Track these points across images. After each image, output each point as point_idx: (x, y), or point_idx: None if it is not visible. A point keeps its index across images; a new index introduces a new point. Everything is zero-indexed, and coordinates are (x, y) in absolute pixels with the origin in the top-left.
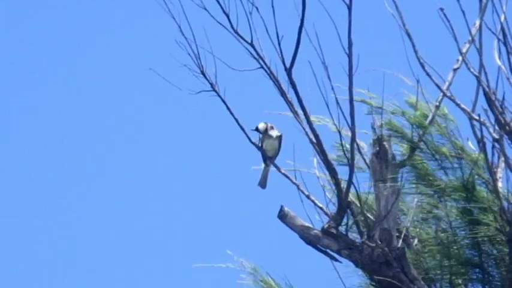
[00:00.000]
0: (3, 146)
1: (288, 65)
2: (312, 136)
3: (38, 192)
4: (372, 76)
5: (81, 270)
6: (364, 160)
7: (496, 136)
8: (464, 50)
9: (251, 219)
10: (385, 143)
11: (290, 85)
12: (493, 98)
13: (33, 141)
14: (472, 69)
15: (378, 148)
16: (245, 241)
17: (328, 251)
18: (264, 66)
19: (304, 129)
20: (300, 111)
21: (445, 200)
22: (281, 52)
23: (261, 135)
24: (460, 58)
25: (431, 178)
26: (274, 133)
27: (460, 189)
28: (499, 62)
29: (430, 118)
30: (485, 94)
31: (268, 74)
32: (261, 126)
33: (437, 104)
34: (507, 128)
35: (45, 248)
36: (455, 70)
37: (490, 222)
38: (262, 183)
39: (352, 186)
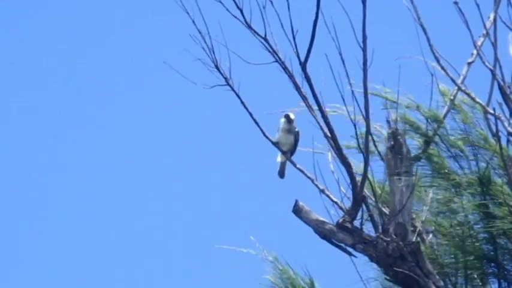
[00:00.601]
0: (3, 146)
1: (302, 59)
2: (326, 130)
3: (38, 192)
4: (386, 70)
5: (81, 270)
6: (379, 154)
7: (511, 130)
8: (479, 44)
9: (266, 213)
10: (399, 137)
11: (305, 79)
12: (508, 92)
13: (33, 141)
14: (486, 63)
15: (392, 142)
16: (263, 232)
17: (343, 245)
18: (279, 60)
19: (318, 123)
20: (314, 106)
21: (461, 194)
22: (296, 46)
23: (280, 127)
24: (475, 52)
25: (446, 172)
26: (292, 128)
27: (476, 183)
28: None
29: (445, 112)
30: (500, 88)
31: (282, 68)
32: (292, 116)
33: (452, 97)
34: None
35: (45, 248)
36: (469, 64)
37: (505, 216)
38: (281, 173)
39: (367, 181)
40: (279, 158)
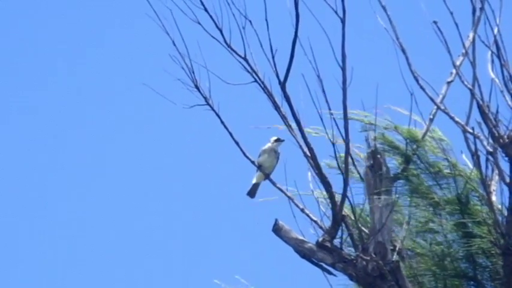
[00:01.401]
0: (3, 146)
1: (282, 79)
2: (306, 150)
3: (38, 192)
4: (365, 89)
5: (81, 270)
6: (359, 173)
7: (490, 149)
8: (458, 63)
9: (245, 233)
10: (379, 156)
11: (284, 99)
12: (487, 111)
13: (33, 141)
14: (465, 82)
15: (372, 161)
16: (240, 256)
17: (322, 264)
18: (258, 80)
19: (298, 142)
20: (294, 125)
21: (439, 214)
22: (275, 66)
23: (264, 148)
24: (454, 71)
25: (425, 191)
26: (276, 148)
27: (454, 203)
28: (492, 75)
29: (423, 132)
30: (479, 107)
31: (262, 87)
32: (278, 139)
33: (431, 117)
34: (501, 140)
35: (45, 248)
36: (449, 83)
37: (484, 235)
38: (252, 193)
39: (346, 200)
40: (255, 179)
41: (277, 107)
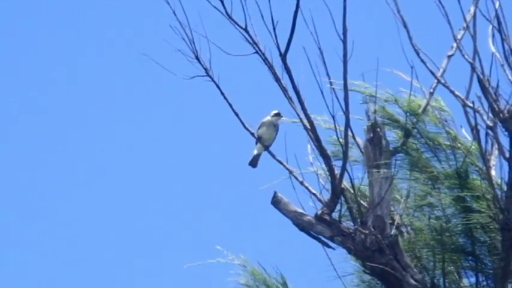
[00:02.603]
0: (3, 146)
1: (282, 51)
2: (306, 122)
3: (38, 192)
4: (366, 63)
5: (81, 270)
6: (358, 146)
7: (490, 123)
8: (458, 37)
9: (244, 206)
10: (378, 129)
11: (285, 71)
12: (487, 85)
13: (33, 141)
14: (466, 56)
15: (371, 134)
16: (239, 230)
17: (321, 237)
18: (259, 51)
19: (298, 115)
20: (294, 98)
21: (438, 188)
22: (276, 37)
23: (263, 120)
24: (455, 45)
25: (424, 165)
26: (276, 122)
27: (454, 177)
28: (493, 49)
29: (424, 105)
30: (480, 81)
31: (262, 59)
32: (275, 112)
33: (432, 91)
34: (501, 115)
35: (45, 248)
36: (449, 57)
37: (483, 210)
38: (253, 163)
39: (346, 173)
40: (256, 151)
41: (277, 79)
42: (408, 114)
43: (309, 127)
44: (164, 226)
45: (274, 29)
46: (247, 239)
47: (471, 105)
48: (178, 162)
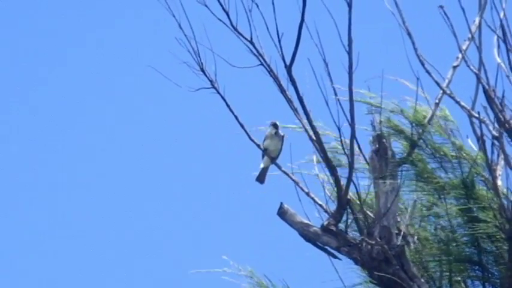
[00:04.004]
0: (3, 146)
1: (288, 62)
2: (311, 133)
3: (38, 192)
4: (371, 73)
5: (81, 270)
6: (364, 157)
7: (496, 134)
8: (464, 48)
9: (251, 217)
10: (384, 140)
11: (290, 82)
12: (493, 96)
13: (31, 141)
14: (471, 67)
15: (377, 145)
16: (245, 240)
17: (327, 248)
18: (264, 63)
19: (303, 126)
20: (300, 109)
21: (444, 198)
22: (281, 49)
23: (267, 133)
24: (460, 55)
25: (430, 176)
26: (279, 134)
27: (460, 187)
28: (498, 60)
29: (429, 116)
30: (485, 91)
31: (268, 71)
32: (278, 123)
33: (437, 101)
34: (507, 125)
35: (45, 248)
36: (454, 67)
37: (489, 220)
38: (261, 178)
39: (351, 184)
40: (263, 164)
41: (283, 91)
42: (414, 124)
43: (314, 138)
44: (172, 234)
45: (279, 40)
46: (254, 250)
47: (477, 115)
48: (184, 174)
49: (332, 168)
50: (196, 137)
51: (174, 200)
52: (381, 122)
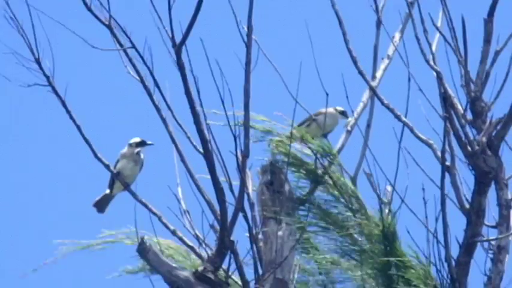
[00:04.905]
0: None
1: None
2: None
3: (36, 191)
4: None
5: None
6: (248, 194)
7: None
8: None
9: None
10: (280, 173)
11: (178, 67)
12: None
13: None
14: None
15: (269, 177)
16: None
17: None
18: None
19: (186, 135)
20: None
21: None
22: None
23: (123, 152)
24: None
25: (336, 220)
26: (139, 157)
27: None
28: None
29: (339, 144)
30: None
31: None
32: (137, 140)
33: (349, 128)
34: None
35: (44, 248)
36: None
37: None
38: (101, 206)
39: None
40: (110, 190)
41: (150, 95)
42: (319, 155)
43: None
44: None
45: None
46: None
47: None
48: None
49: (219, 191)
50: (29, 147)
51: None
52: (277, 147)
